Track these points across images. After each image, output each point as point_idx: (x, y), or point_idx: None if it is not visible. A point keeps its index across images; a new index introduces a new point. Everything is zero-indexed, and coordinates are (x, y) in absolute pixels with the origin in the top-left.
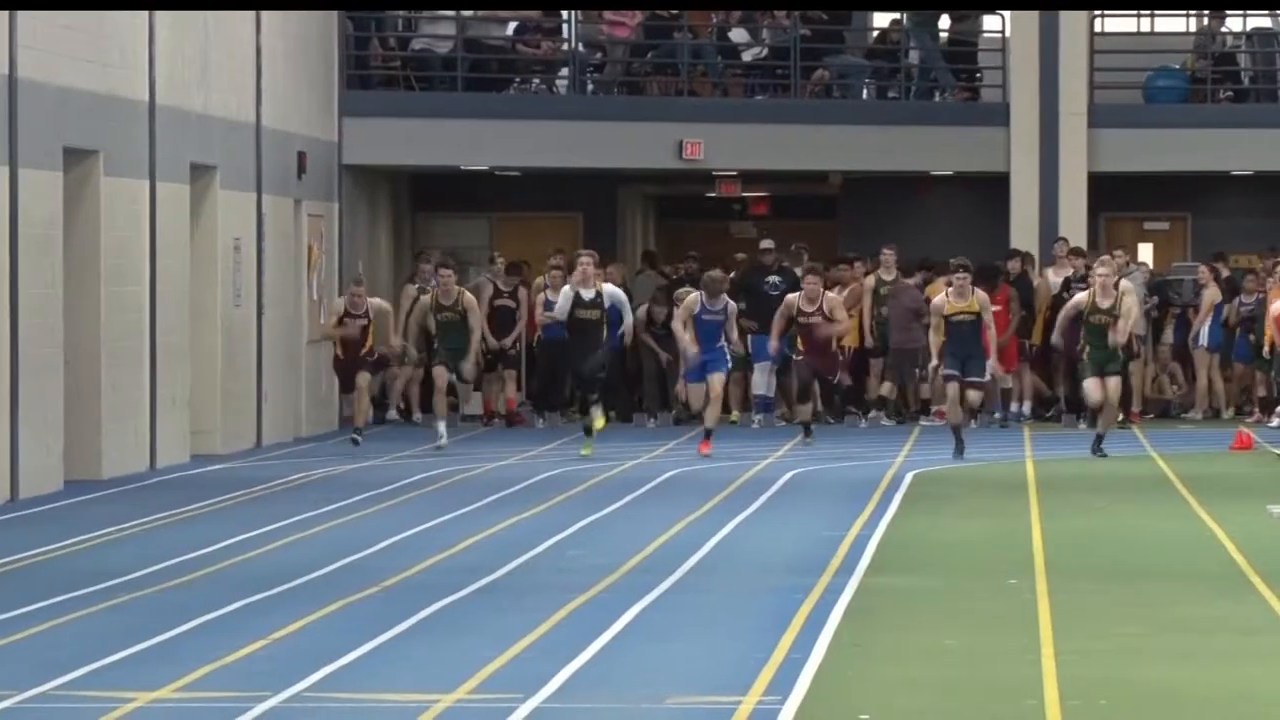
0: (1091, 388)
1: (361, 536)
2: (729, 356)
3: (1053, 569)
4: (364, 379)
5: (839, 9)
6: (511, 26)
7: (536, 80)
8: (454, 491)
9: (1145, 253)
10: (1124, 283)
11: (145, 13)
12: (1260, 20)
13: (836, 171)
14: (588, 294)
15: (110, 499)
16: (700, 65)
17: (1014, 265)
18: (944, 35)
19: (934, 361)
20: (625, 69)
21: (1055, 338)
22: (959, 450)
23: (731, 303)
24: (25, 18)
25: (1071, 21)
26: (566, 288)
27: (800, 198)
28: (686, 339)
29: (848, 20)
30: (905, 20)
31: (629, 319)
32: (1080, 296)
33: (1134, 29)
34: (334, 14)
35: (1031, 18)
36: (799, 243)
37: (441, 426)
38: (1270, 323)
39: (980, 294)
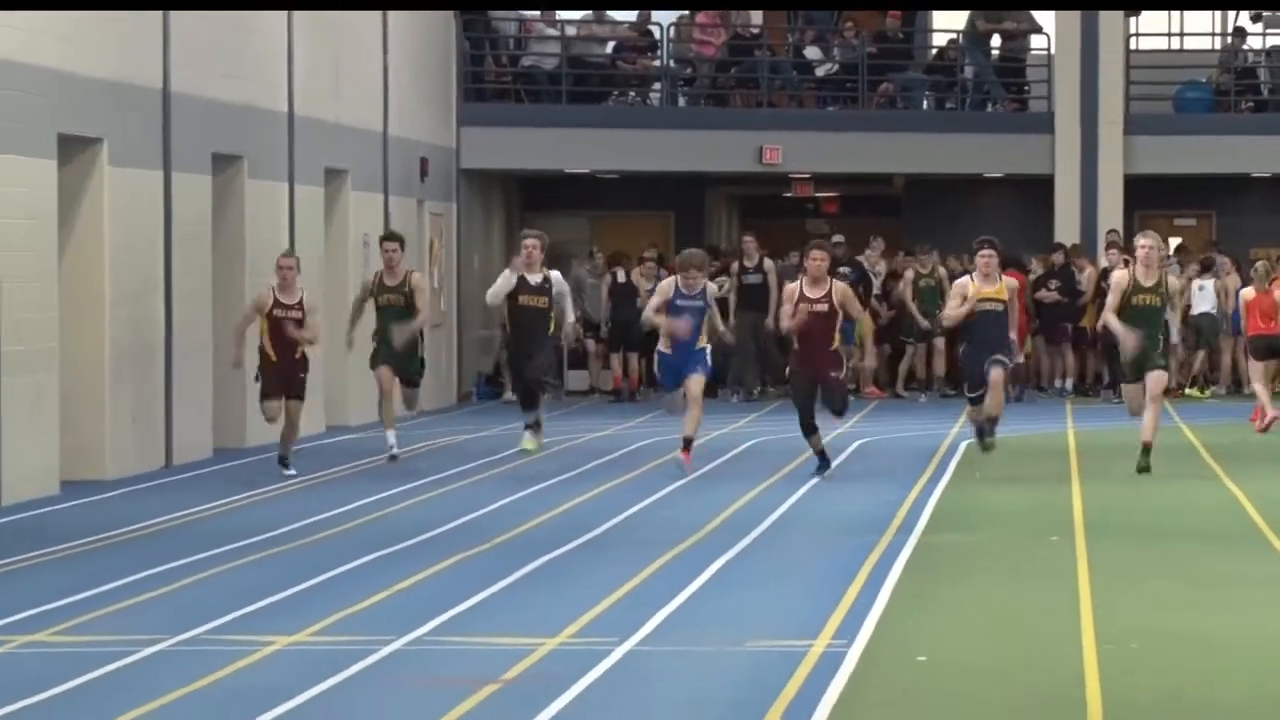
0: (1132, 396)
1: (474, 500)
2: (709, 357)
3: (1090, 529)
4: (294, 406)
5: (886, 8)
6: (610, 45)
7: (633, 93)
8: (558, 459)
9: (1174, 242)
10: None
11: (284, 32)
12: (1278, 39)
13: (899, 174)
14: (534, 279)
15: (253, 465)
16: (778, 79)
17: (1056, 257)
18: (995, 52)
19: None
20: (711, 83)
21: (1105, 321)
22: (981, 436)
23: (712, 285)
24: (176, 37)
25: (1109, 39)
26: (507, 271)
27: (867, 198)
28: (662, 319)
29: (910, 40)
30: (961, 39)
31: (570, 316)
32: (1119, 275)
33: (1165, 46)
34: (452, 34)
35: (1074, 37)
36: (876, 237)
37: (391, 436)
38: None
39: (1009, 279)
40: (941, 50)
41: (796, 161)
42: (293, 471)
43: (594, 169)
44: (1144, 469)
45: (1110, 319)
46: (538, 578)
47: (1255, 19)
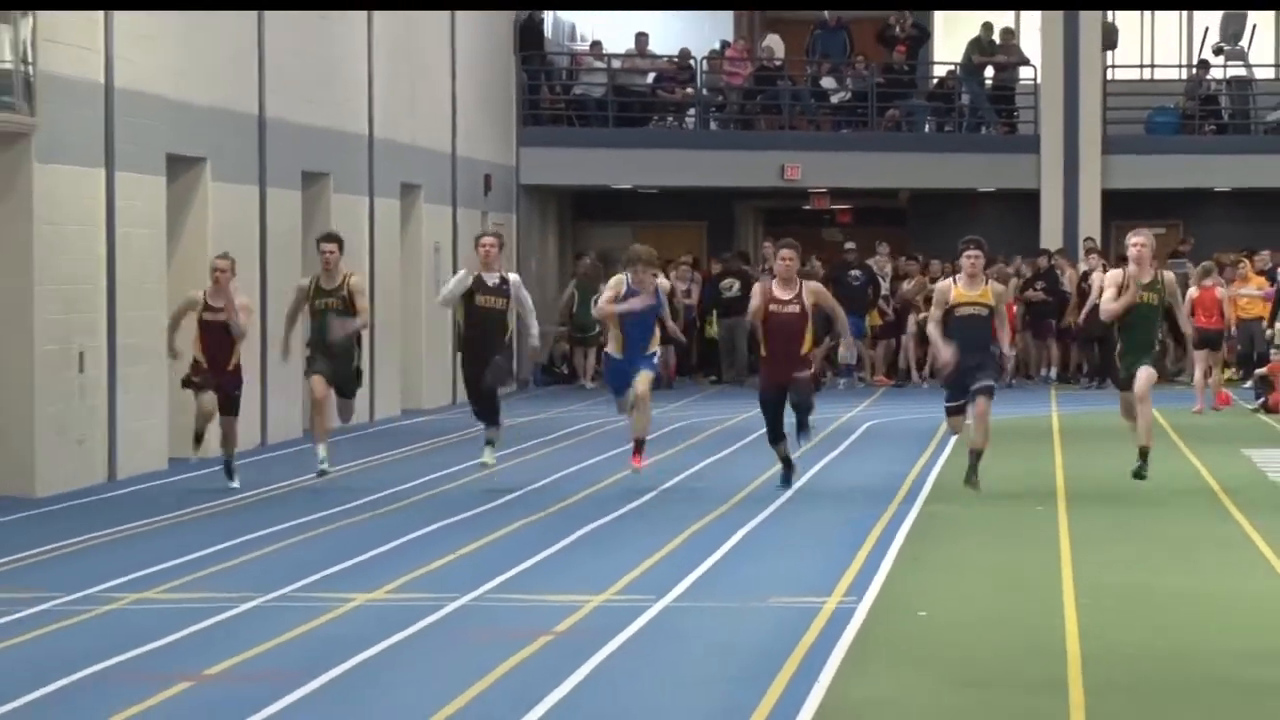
0: (1126, 403)
1: (536, 472)
2: (657, 359)
3: (1071, 498)
4: (229, 422)
5: (864, 9)
6: (651, 76)
7: (670, 118)
8: (607, 438)
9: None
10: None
11: (365, 63)
12: (1237, 70)
13: (905, 189)
14: (491, 279)
15: (340, 444)
16: (798, 106)
17: (1041, 261)
18: (988, 82)
19: (945, 356)
20: (739, 109)
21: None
22: (971, 472)
23: (664, 282)
24: (270, 67)
25: (1089, 70)
26: (464, 271)
27: (876, 209)
28: (612, 309)
29: (914, 71)
30: (958, 70)
31: (534, 329)
32: (1114, 273)
33: (1138, 76)
34: (512, 66)
35: (1057, 68)
36: (881, 242)
37: (321, 450)
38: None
39: (996, 284)
40: (941, 80)
41: (814, 178)
42: (236, 484)
43: (636, 184)
44: (1140, 475)
45: (1109, 307)
46: (585, 542)
47: (1217, 52)
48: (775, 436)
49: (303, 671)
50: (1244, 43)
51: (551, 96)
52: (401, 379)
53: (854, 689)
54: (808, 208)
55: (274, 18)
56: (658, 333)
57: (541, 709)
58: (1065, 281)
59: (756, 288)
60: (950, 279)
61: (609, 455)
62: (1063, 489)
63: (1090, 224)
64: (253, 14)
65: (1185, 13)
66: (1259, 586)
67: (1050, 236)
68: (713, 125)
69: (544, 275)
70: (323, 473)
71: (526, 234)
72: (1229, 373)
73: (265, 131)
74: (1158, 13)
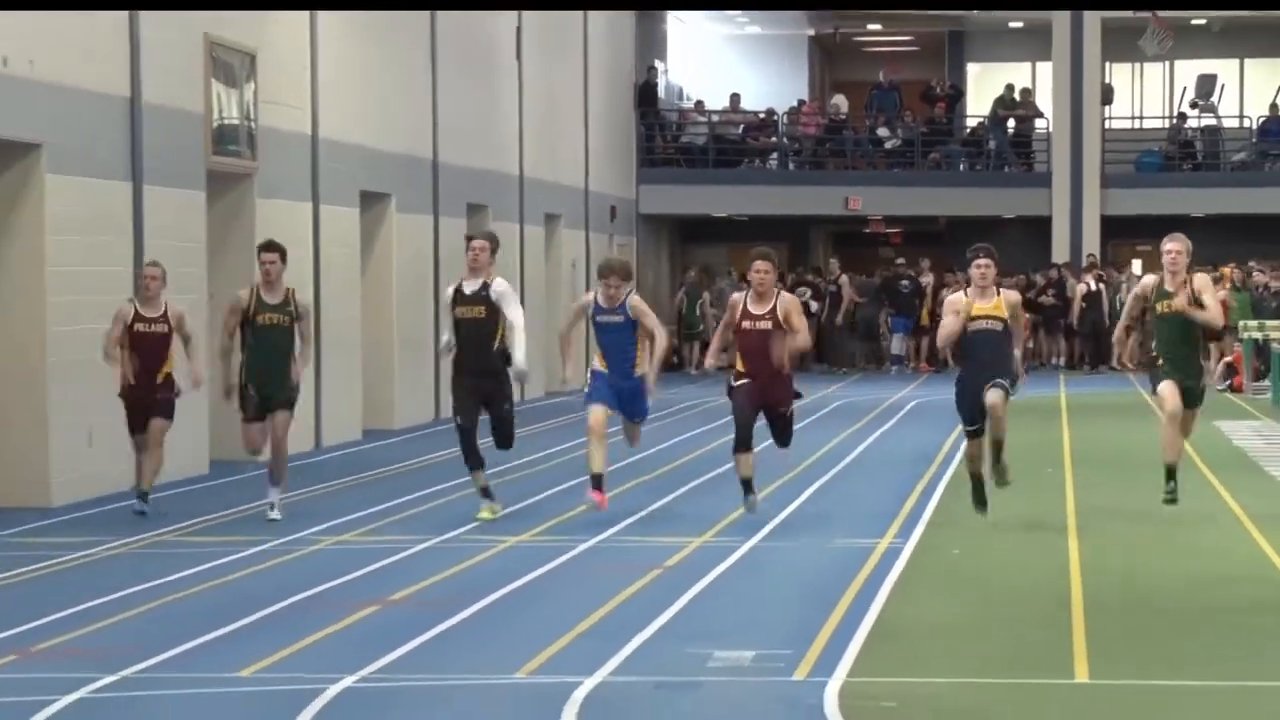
0: (1168, 391)
1: (650, 441)
2: (648, 393)
3: (1076, 461)
4: (159, 425)
5: (878, 9)
6: (741, 128)
7: (758, 160)
8: (709, 414)
9: (1136, 267)
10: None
11: (517, 117)
12: (1209, 121)
13: (943, 216)
14: (471, 285)
15: (399, 444)
16: (859, 150)
17: (1052, 273)
18: (1010, 130)
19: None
20: (812, 153)
21: (1118, 331)
22: (978, 499)
23: (636, 300)
24: (443, 120)
25: (1090, 122)
26: (450, 289)
27: (921, 233)
28: (566, 354)
29: (951, 123)
30: (987, 122)
31: (519, 352)
32: (1146, 280)
33: (1129, 126)
34: (633, 119)
35: (1065, 120)
36: (924, 259)
37: (274, 495)
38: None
39: (1009, 294)
40: (973, 130)
41: (872, 207)
42: (145, 509)
43: (731, 213)
44: (1171, 499)
45: (1119, 331)
46: (689, 495)
47: (1193, 106)
48: (743, 444)
49: (467, 596)
50: (1214, 99)
51: (664, 143)
52: (545, 364)
53: (901, 611)
54: (867, 231)
55: (445, 81)
56: (646, 350)
57: (656, 624)
58: (1070, 289)
59: (731, 300)
60: (960, 291)
61: (710, 428)
62: (1069, 454)
63: (1091, 243)
64: (428, 76)
65: (1168, 74)
66: (1224, 530)
67: (1059, 253)
68: (791, 166)
69: (659, 285)
70: (271, 520)
71: (644, 253)
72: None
73: (438, 172)
74: (1145, 74)
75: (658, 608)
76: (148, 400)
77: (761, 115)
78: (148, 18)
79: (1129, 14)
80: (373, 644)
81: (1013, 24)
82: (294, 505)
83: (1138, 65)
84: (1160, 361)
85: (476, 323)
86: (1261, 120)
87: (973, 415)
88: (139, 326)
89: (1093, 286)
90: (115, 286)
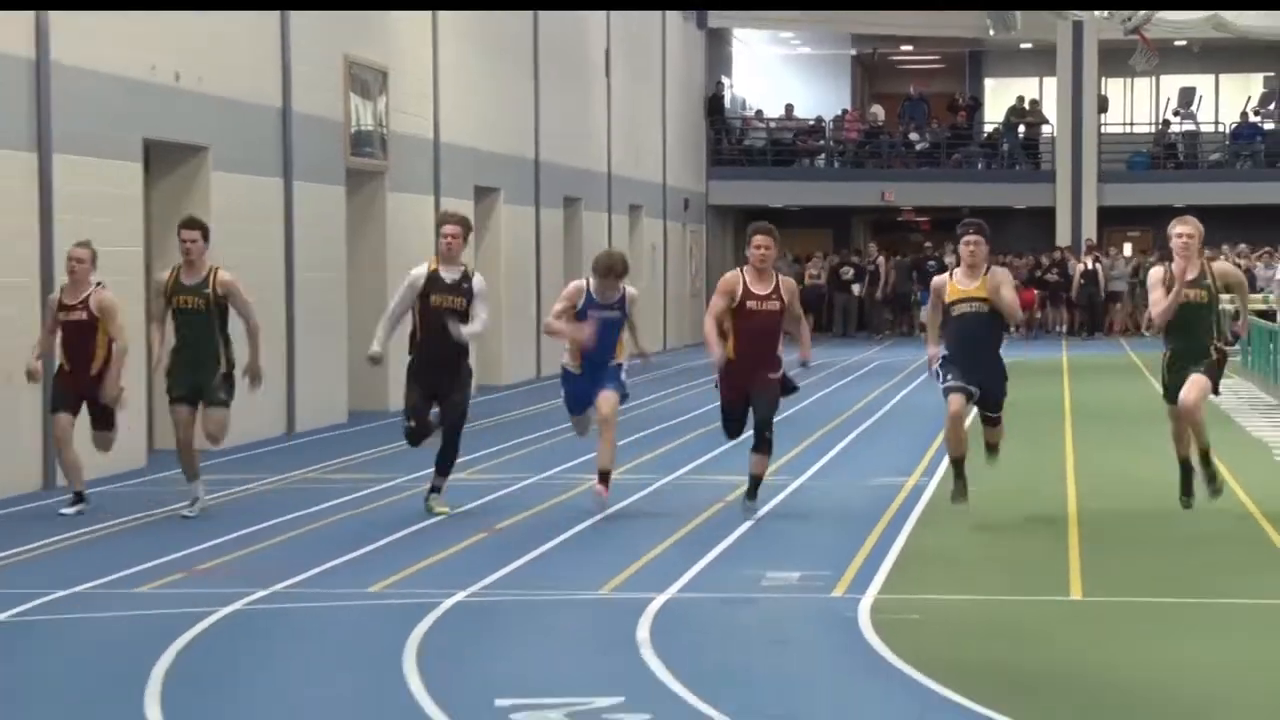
0: (1173, 415)
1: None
2: (624, 373)
3: (1074, 412)
4: (64, 420)
5: (885, 8)
6: (794, 133)
7: (808, 160)
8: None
9: (1127, 249)
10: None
11: (605, 122)
12: (1189, 126)
13: (965, 206)
14: (450, 274)
15: (506, 398)
16: (893, 151)
17: (1055, 255)
18: (1021, 135)
19: (930, 350)
20: (854, 154)
21: (1149, 317)
22: (958, 491)
23: (632, 290)
24: (544, 125)
25: (1089, 127)
26: (419, 268)
27: (946, 220)
28: (563, 328)
29: (970, 128)
30: (1001, 128)
31: (476, 326)
32: (1155, 270)
33: (1121, 130)
34: (703, 125)
35: (1067, 125)
36: (947, 243)
37: (199, 489)
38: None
39: (998, 271)
40: (989, 134)
41: (904, 199)
42: (73, 511)
43: (785, 204)
44: (1187, 503)
45: (1156, 312)
46: (745, 443)
47: (1175, 114)
48: (733, 432)
49: (559, 525)
50: (1194, 108)
51: (729, 146)
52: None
53: (925, 538)
54: (900, 219)
55: (545, 93)
56: (624, 341)
57: (718, 549)
58: (1071, 268)
59: (724, 279)
60: (946, 274)
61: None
62: (1068, 406)
63: (1089, 230)
64: (531, 89)
65: (1154, 87)
66: None
67: (1062, 238)
68: (836, 165)
69: (725, 264)
70: (187, 516)
71: (712, 239)
72: None
73: (540, 170)
74: (1135, 87)
75: (719, 535)
76: (81, 393)
77: (811, 122)
78: (296, 41)
79: (1122, 36)
80: (480, 565)
81: (1023, 45)
82: (421, 450)
83: (1129, 80)
84: (1168, 366)
85: (455, 314)
86: (1233, 126)
87: (955, 373)
88: (62, 315)
89: (1089, 266)
90: (270, 269)
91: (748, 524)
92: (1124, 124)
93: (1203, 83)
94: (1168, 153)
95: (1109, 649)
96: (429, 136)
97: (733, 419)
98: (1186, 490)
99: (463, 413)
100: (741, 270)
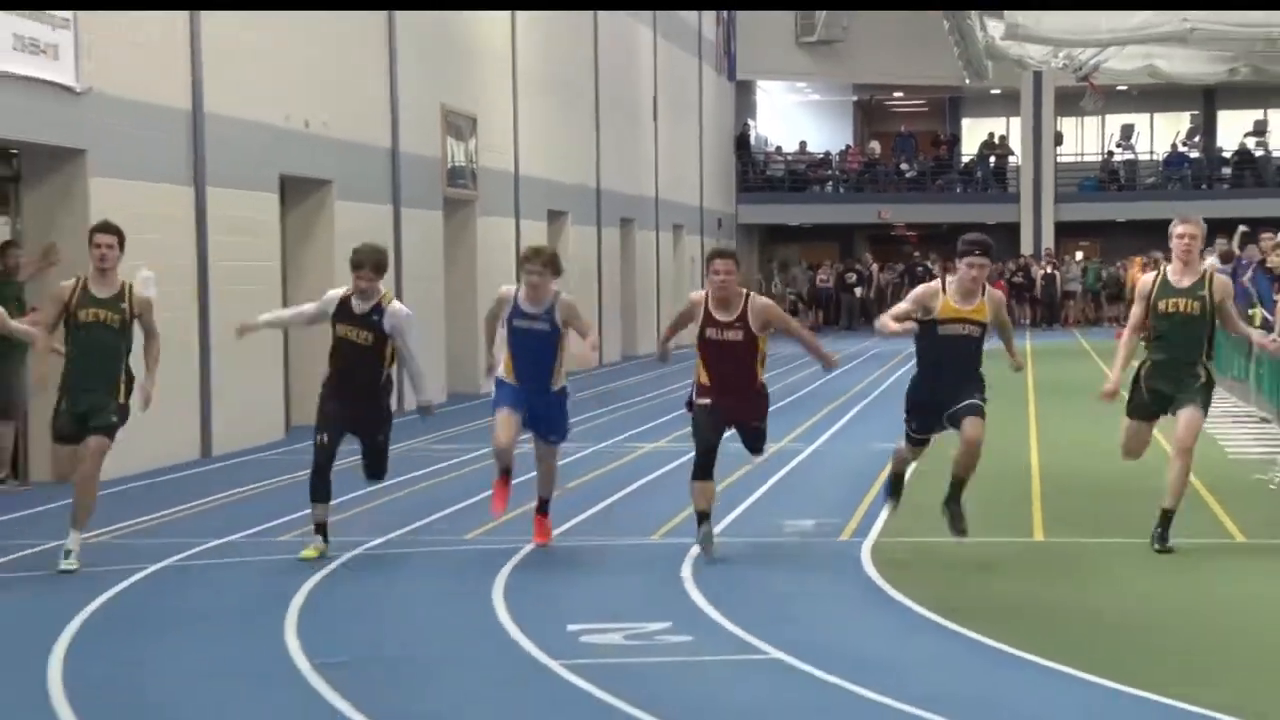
0: (1131, 433)
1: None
2: (566, 407)
3: (1036, 390)
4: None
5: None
6: (806, 165)
7: (818, 187)
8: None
9: (1078, 254)
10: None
11: (653, 155)
12: (1128, 156)
13: (946, 223)
14: (361, 305)
15: (571, 382)
16: (887, 178)
17: (1020, 262)
18: (993, 164)
19: (890, 325)
20: (856, 181)
21: (1126, 337)
22: (892, 493)
23: (565, 298)
24: (605, 157)
25: (1046, 156)
26: (335, 291)
27: (931, 235)
28: (488, 354)
29: (951, 158)
30: (976, 159)
31: (421, 377)
32: (1145, 279)
33: (1075, 160)
34: (733, 158)
35: (1030, 155)
36: (932, 253)
37: (72, 539)
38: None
39: (994, 293)
40: (966, 164)
41: (897, 217)
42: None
43: (800, 222)
44: (1164, 548)
45: (1126, 339)
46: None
47: (1118, 146)
48: (704, 472)
49: (618, 484)
50: (1133, 141)
51: (754, 175)
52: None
53: (918, 491)
54: (893, 233)
55: (605, 133)
56: (562, 359)
57: (747, 502)
58: (1033, 272)
59: (692, 298)
60: (937, 283)
61: (782, 368)
62: (1031, 385)
63: (1048, 240)
64: (593, 130)
65: (1101, 125)
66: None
67: (1025, 248)
68: (840, 190)
69: (750, 272)
70: (65, 569)
71: (742, 250)
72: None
73: (600, 196)
74: (1085, 125)
75: (748, 491)
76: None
77: (820, 156)
78: (403, 94)
79: (1074, 82)
80: (553, 517)
81: (993, 91)
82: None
83: (1080, 118)
84: (1146, 378)
85: (358, 348)
86: (1166, 155)
87: (927, 425)
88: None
89: (1048, 270)
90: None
91: (773, 480)
92: (1076, 154)
93: (1140, 120)
94: (1112, 177)
95: (1063, 580)
96: (510, 170)
97: (707, 458)
98: (1162, 537)
99: (376, 447)
100: (705, 292)
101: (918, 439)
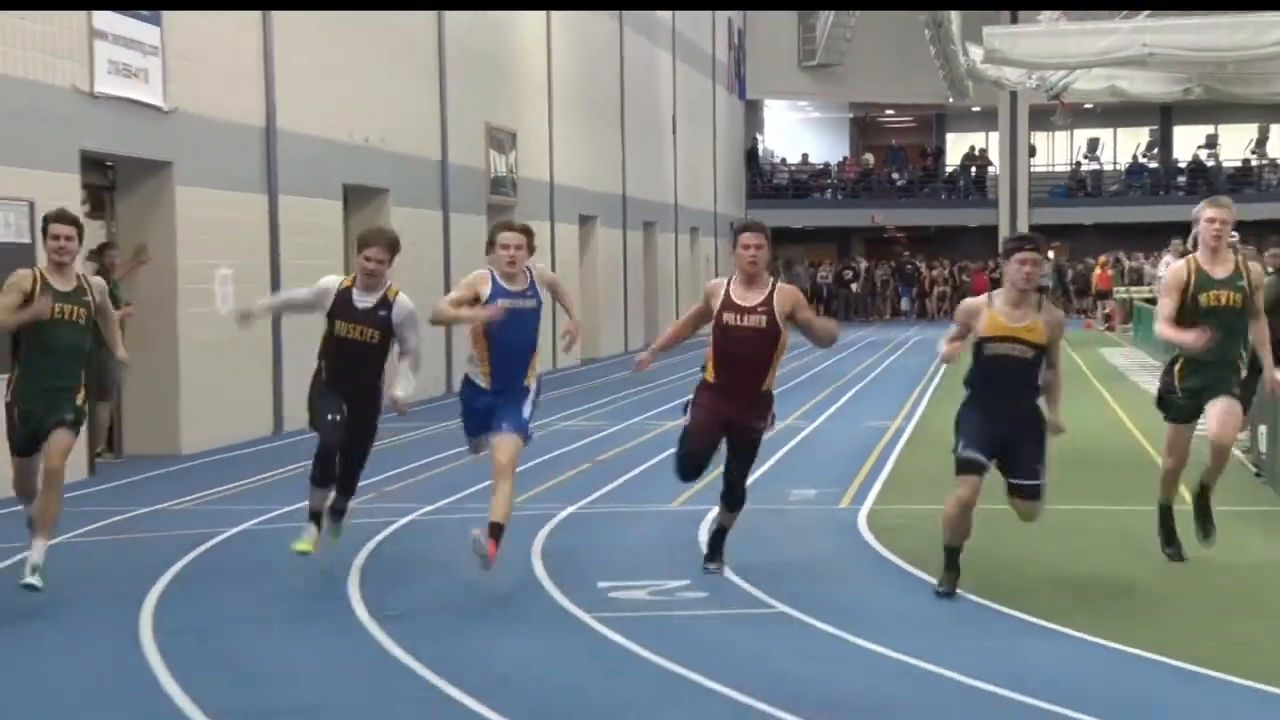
0: (1173, 440)
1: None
2: (532, 402)
3: None
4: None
5: (856, 8)
6: (807, 175)
7: (818, 194)
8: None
9: (1051, 255)
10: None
11: (672, 167)
12: (1094, 166)
13: (932, 226)
14: (365, 300)
15: (602, 366)
16: (880, 186)
17: (999, 259)
18: (973, 173)
19: (945, 347)
20: (852, 189)
21: (1165, 331)
22: (947, 584)
23: (550, 275)
24: (630, 168)
25: (1021, 167)
26: (331, 279)
27: (920, 237)
28: (460, 314)
29: (938, 168)
30: (959, 169)
31: (411, 375)
32: (1176, 268)
33: (1047, 170)
34: (743, 169)
35: (1007, 164)
36: (918, 254)
37: (36, 551)
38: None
39: (1054, 313)
40: (950, 173)
41: (888, 221)
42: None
43: (802, 225)
44: (1173, 554)
45: (1165, 330)
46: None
47: (1085, 157)
48: (691, 474)
49: (642, 458)
50: (1099, 153)
51: (762, 184)
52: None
53: (907, 464)
54: (885, 235)
55: (630, 145)
56: (537, 354)
57: (755, 475)
58: None
59: (709, 286)
60: (983, 296)
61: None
62: None
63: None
64: (619, 143)
65: (1070, 138)
66: (1105, 414)
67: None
68: (839, 197)
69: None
70: (31, 585)
71: None
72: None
73: (626, 203)
74: (1056, 139)
75: (756, 464)
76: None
77: (820, 166)
78: (451, 112)
79: (1046, 100)
80: (585, 487)
81: (974, 109)
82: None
83: (1051, 133)
84: (1181, 377)
85: (361, 346)
86: (1128, 165)
87: (979, 444)
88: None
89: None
90: (432, 276)
91: (779, 454)
92: (1048, 165)
93: (1105, 134)
94: (1080, 185)
95: (1035, 542)
96: (546, 179)
97: (694, 460)
98: (1170, 540)
99: (359, 454)
100: (727, 278)
101: (970, 459)
